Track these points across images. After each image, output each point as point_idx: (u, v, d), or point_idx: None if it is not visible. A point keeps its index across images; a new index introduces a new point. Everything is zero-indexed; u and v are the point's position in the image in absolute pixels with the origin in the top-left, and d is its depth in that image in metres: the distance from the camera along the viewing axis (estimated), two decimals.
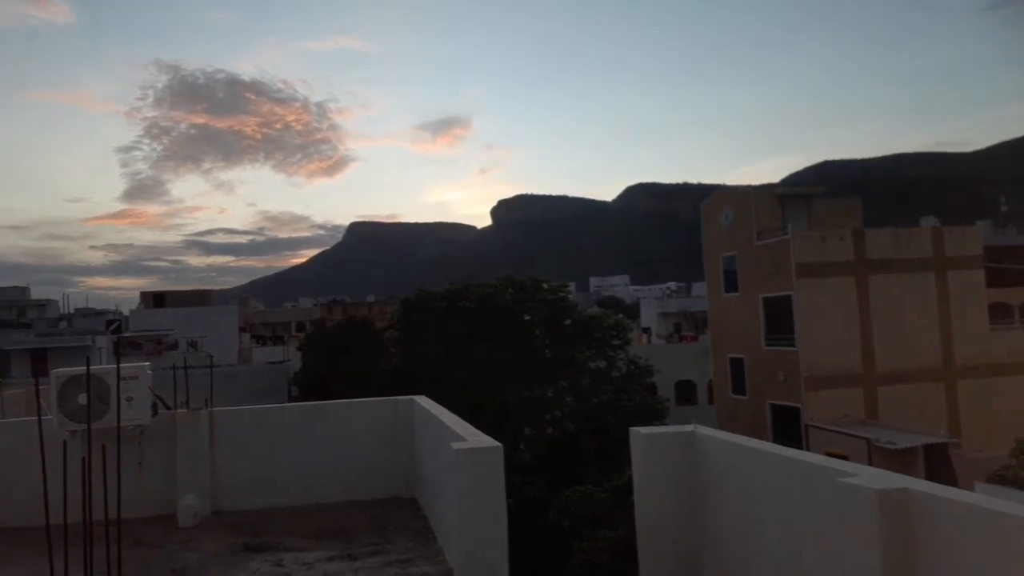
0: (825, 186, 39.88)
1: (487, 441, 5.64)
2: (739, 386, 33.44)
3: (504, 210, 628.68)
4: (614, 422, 25.94)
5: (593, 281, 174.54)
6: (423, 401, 8.47)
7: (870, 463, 20.68)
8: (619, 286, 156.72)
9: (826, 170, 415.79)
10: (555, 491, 22.19)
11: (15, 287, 77.57)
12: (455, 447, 5.45)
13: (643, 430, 5.79)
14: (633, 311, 74.71)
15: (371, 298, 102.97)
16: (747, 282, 32.59)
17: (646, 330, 62.74)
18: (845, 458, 4.78)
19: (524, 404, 28.95)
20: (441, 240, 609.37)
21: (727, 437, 5.39)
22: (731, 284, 33.93)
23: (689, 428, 5.68)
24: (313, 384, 35.51)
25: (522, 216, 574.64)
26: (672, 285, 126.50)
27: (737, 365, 33.59)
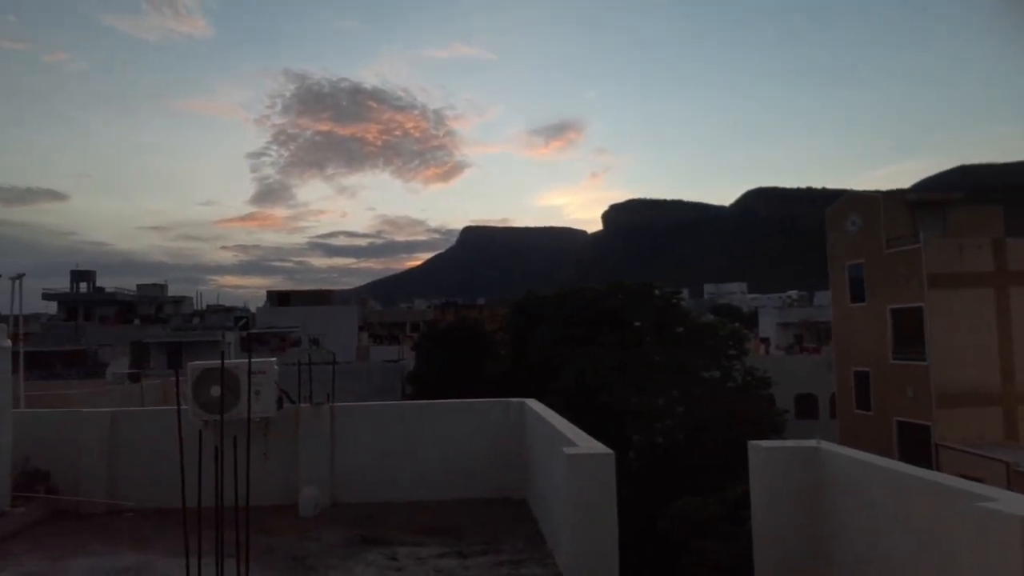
0: (962, 192, 37.38)
1: (599, 447, 5.60)
2: (864, 401, 31.83)
3: (616, 215, 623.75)
4: (727, 434, 25.22)
5: (708, 288, 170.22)
6: (534, 404, 8.50)
7: (1009, 488, 19.22)
8: (736, 294, 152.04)
9: (963, 175, 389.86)
10: (663, 501, 21.79)
11: (155, 284, 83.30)
12: (567, 452, 5.43)
13: (763, 444, 5.60)
14: (751, 320, 72.42)
15: (482, 300, 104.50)
16: (875, 292, 31.01)
17: (764, 340, 60.69)
18: (981, 482, 4.45)
19: (633, 411, 28.58)
20: (551, 244, 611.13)
21: (853, 454, 5.13)
22: (857, 294, 32.36)
23: (812, 443, 5.45)
24: (426, 383, 36.36)
25: (634, 221, 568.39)
26: (793, 294, 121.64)
27: (862, 379, 31.98)
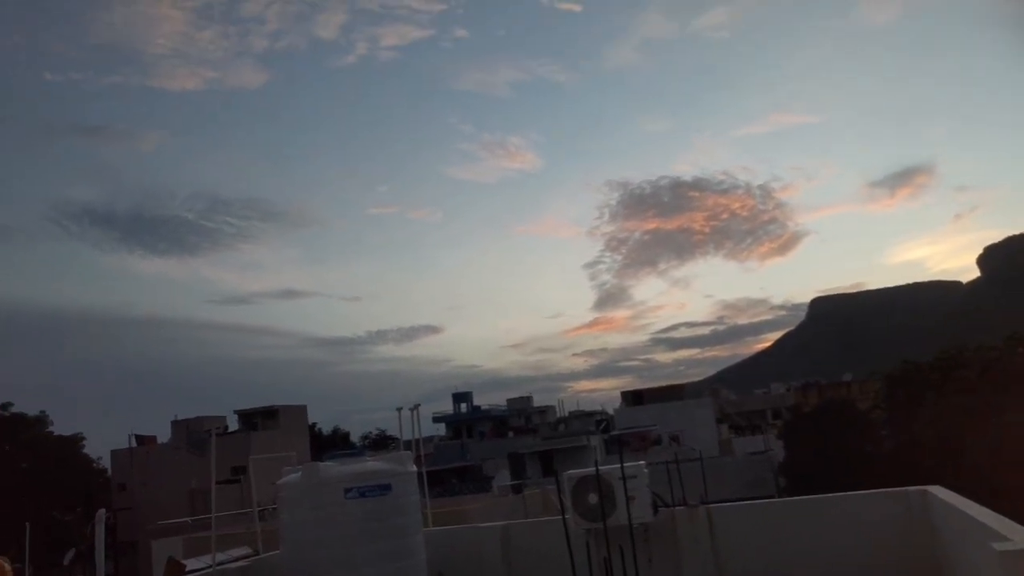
0: None
1: None
2: None
3: (994, 257, 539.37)
4: None
5: None
6: (939, 492, 7.37)
7: None
8: None
9: None
10: None
11: (521, 397, 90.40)
12: (998, 549, 4.56)
13: None
14: None
15: (848, 376, 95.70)
16: None
17: None
18: None
19: None
20: (918, 303, 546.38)
21: None
22: None
23: None
24: (800, 473, 33.93)
25: (1021, 260, 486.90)
26: None
27: None
